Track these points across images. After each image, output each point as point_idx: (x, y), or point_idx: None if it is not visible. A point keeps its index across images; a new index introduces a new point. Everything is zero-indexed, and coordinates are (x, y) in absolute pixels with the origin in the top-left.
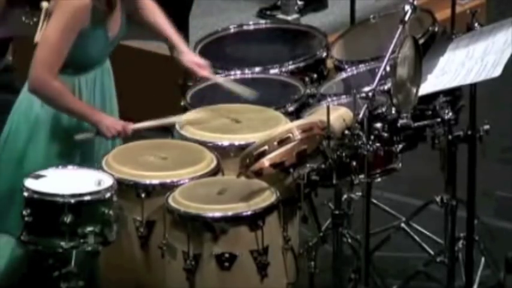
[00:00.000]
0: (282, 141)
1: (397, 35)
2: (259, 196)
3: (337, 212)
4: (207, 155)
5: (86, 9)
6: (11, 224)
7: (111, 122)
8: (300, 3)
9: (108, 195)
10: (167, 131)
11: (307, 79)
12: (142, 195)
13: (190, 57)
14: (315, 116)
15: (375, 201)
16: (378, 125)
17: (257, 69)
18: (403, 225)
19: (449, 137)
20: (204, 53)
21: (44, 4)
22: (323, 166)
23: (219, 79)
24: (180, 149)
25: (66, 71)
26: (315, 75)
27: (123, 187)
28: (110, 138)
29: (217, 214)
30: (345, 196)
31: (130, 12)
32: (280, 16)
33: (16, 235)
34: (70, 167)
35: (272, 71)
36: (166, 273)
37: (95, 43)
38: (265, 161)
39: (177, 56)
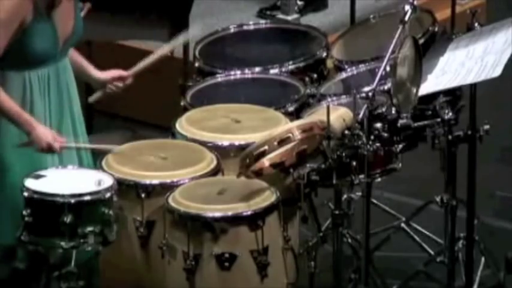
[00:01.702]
0: (282, 141)
1: (397, 35)
2: (259, 196)
3: (337, 212)
4: (207, 155)
5: (25, 2)
6: None
7: (43, 132)
8: (300, 3)
9: (108, 195)
10: (167, 130)
11: (307, 79)
12: (142, 195)
13: (104, 73)
14: (315, 116)
15: (375, 201)
16: (378, 125)
17: (257, 69)
18: (403, 225)
19: (449, 137)
20: (204, 53)
21: None
22: (323, 166)
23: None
24: (180, 149)
25: (14, 65)
26: (315, 75)
27: (123, 187)
28: (39, 150)
29: (217, 214)
30: (345, 196)
31: None
32: (280, 16)
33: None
34: (70, 167)
35: (272, 71)
36: (166, 273)
37: (41, 39)
38: (265, 161)
39: (92, 76)
